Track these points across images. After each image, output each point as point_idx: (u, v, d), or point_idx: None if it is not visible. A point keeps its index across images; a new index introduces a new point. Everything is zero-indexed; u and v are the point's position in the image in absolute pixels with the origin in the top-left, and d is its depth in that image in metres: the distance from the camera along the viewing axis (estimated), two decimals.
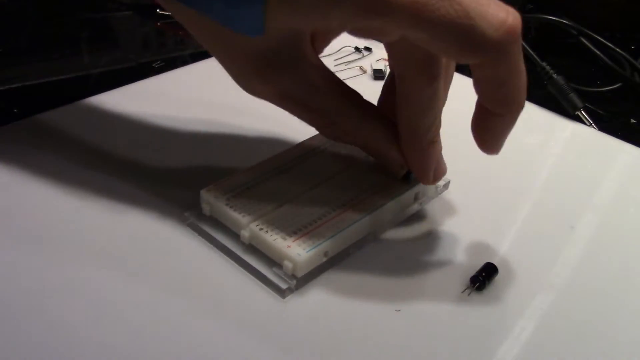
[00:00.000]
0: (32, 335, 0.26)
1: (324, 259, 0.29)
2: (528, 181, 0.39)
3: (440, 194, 0.35)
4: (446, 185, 0.36)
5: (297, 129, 0.37)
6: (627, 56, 0.53)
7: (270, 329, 0.27)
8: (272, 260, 0.29)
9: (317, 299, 0.29)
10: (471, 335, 0.28)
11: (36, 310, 0.27)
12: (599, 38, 0.53)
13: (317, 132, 0.35)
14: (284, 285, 0.28)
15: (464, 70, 0.50)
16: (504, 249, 0.33)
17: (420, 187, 0.33)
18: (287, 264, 0.28)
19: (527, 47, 0.48)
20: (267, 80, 0.28)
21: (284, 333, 0.27)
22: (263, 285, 0.29)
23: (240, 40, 0.27)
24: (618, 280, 0.31)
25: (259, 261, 0.29)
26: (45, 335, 0.26)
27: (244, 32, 0.26)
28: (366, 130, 0.31)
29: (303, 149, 0.35)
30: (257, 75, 0.28)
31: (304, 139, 0.36)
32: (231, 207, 0.30)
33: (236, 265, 0.30)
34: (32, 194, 0.33)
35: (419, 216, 0.34)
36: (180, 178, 0.35)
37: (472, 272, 0.30)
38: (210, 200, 0.31)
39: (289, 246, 0.28)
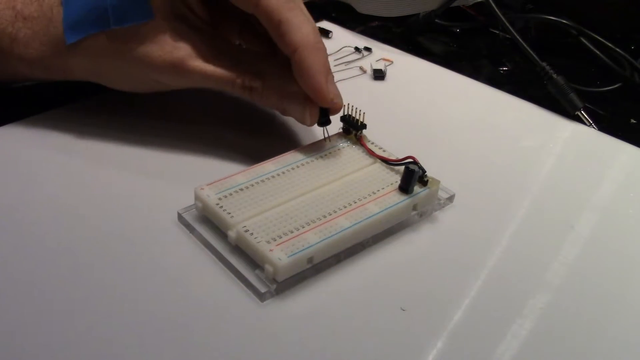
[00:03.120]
0: (24, 328, 0.25)
1: (308, 266, 0.27)
2: (528, 181, 0.37)
3: (444, 206, 0.33)
4: (450, 199, 0.33)
5: (296, 134, 0.37)
6: (627, 56, 0.51)
7: (246, 331, 0.25)
8: (256, 262, 0.27)
9: (298, 305, 0.27)
10: (470, 335, 0.26)
11: (30, 303, 0.26)
12: (599, 38, 0.51)
13: (317, 139, 0.34)
14: (263, 289, 0.26)
15: (463, 70, 0.49)
16: (504, 248, 0.31)
17: (418, 199, 0.31)
18: (268, 268, 0.26)
19: (527, 47, 0.46)
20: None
21: (258, 336, 0.25)
22: (244, 287, 0.27)
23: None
24: (618, 280, 0.30)
25: (243, 263, 0.28)
26: (35, 327, 0.25)
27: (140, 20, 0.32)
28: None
29: (301, 155, 0.33)
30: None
31: (303, 144, 0.35)
32: (221, 207, 0.29)
33: (222, 265, 0.28)
34: (31, 194, 0.32)
35: (419, 225, 0.32)
36: (177, 177, 0.34)
37: (472, 272, 0.29)
38: (202, 198, 0.30)
39: (271, 250, 0.26)
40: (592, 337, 0.27)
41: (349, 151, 0.34)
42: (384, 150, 0.34)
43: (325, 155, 0.33)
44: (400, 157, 0.32)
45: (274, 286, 0.26)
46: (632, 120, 0.46)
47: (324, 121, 0.33)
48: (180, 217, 0.30)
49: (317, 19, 0.54)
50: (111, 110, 0.39)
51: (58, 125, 0.37)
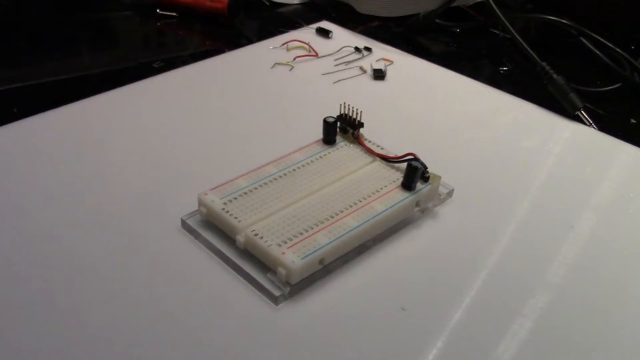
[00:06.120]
0: (32, 337, 0.25)
1: (320, 267, 0.28)
2: (528, 181, 0.38)
3: (443, 202, 0.34)
4: (450, 193, 0.34)
5: (298, 134, 0.37)
6: (627, 56, 0.51)
7: (262, 335, 0.26)
8: (267, 266, 0.28)
9: (312, 307, 0.27)
10: (471, 335, 0.27)
11: (34, 311, 0.26)
12: (599, 38, 0.52)
13: (314, 140, 0.35)
14: (277, 292, 0.27)
15: (463, 70, 0.50)
16: (504, 248, 0.32)
17: (421, 195, 0.32)
18: (281, 271, 0.27)
19: (527, 47, 0.47)
20: None
21: (275, 340, 0.26)
22: (257, 291, 0.28)
23: None
24: (617, 279, 0.31)
25: (253, 267, 0.28)
26: (42, 336, 0.25)
27: None
28: None
29: (302, 155, 0.34)
30: None
31: (304, 144, 0.35)
32: (227, 211, 0.29)
33: (231, 270, 0.29)
34: (31, 194, 0.32)
35: (420, 221, 0.33)
36: (177, 181, 0.34)
37: (472, 272, 0.30)
38: (207, 204, 0.30)
39: (283, 253, 0.27)
40: (592, 336, 0.27)
41: (347, 150, 0.35)
42: (382, 148, 0.35)
43: (324, 155, 0.34)
44: (399, 155, 0.33)
45: (288, 289, 0.27)
46: (632, 120, 0.46)
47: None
48: (183, 223, 0.31)
49: (317, 19, 0.55)
50: (114, 111, 0.39)
51: (61, 126, 0.38)
